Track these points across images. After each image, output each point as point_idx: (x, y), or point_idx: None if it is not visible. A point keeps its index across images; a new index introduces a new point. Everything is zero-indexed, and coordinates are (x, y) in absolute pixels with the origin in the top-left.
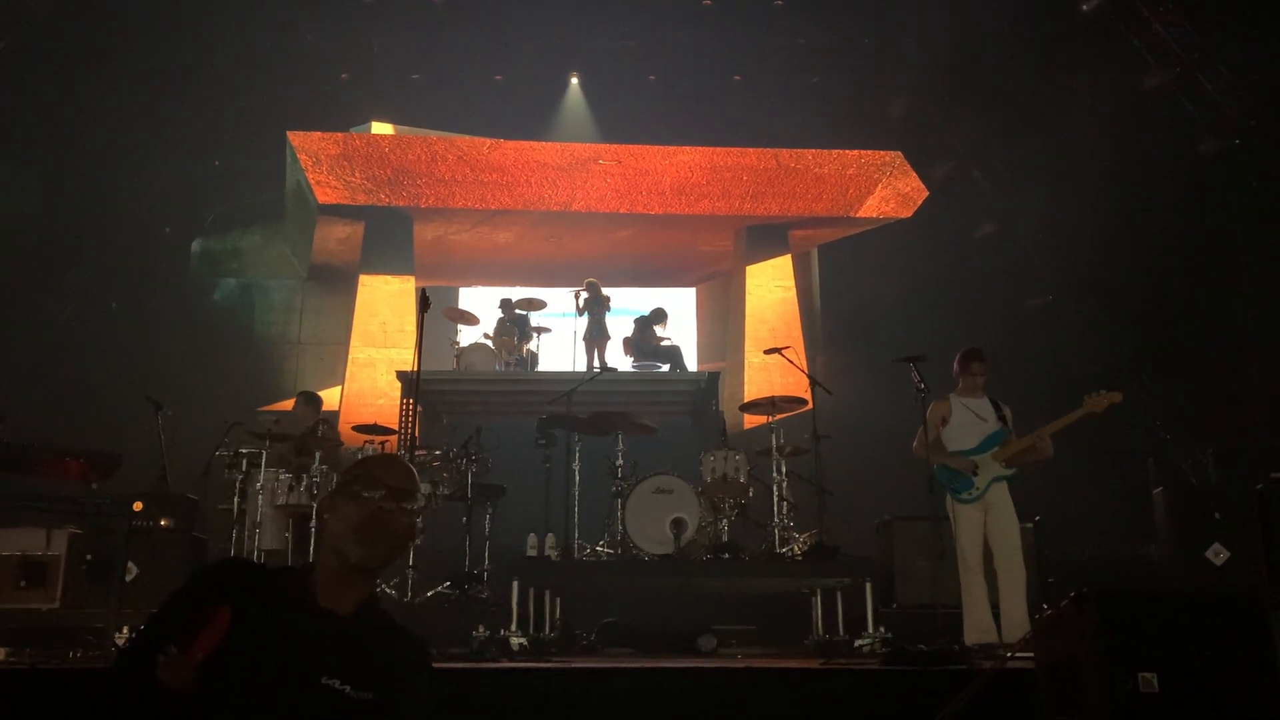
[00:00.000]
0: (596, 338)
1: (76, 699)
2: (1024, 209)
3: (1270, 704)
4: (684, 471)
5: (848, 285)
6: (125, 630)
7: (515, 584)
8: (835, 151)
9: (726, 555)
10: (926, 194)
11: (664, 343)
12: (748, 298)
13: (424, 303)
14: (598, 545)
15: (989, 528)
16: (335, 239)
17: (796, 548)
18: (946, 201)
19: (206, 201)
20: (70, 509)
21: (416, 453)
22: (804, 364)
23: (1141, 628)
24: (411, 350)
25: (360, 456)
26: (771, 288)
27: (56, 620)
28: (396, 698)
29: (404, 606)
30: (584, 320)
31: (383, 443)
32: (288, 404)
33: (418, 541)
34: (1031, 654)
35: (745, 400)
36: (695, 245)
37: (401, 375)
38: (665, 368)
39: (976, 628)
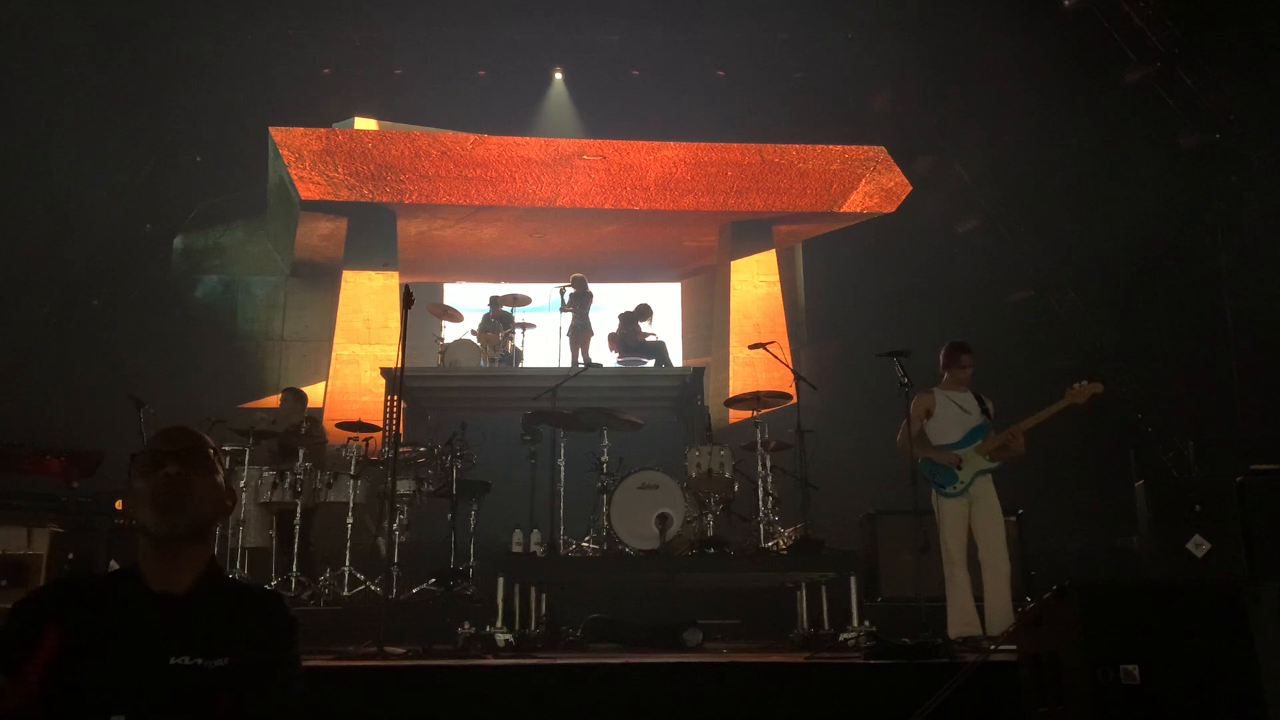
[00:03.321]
0: (580, 334)
1: None
2: (1006, 203)
3: (1249, 694)
4: (669, 467)
5: (832, 280)
6: None
7: (501, 580)
8: (819, 146)
9: (711, 550)
10: (910, 189)
11: (649, 338)
12: (732, 293)
13: (408, 299)
14: (583, 541)
15: (974, 521)
16: (318, 235)
17: (781, 542)
18: (929, 196)
19: (188, 198)
20: (51, 507)
21: (401, 449)
22: (788, 359)
23: (1123, 620)
24: (395, 346)
25: (345, 453)
26: (756, 283)
27: None
28: (255, 655)
29: (389, 603)
30: (568, 316)
31: (367, 439)
32: (270, 401)
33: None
34: (1014, 646)
35: (730, 395)
36: (680, 240)
37: (386, 372)
38: (650, 363)
39: (960, 621)
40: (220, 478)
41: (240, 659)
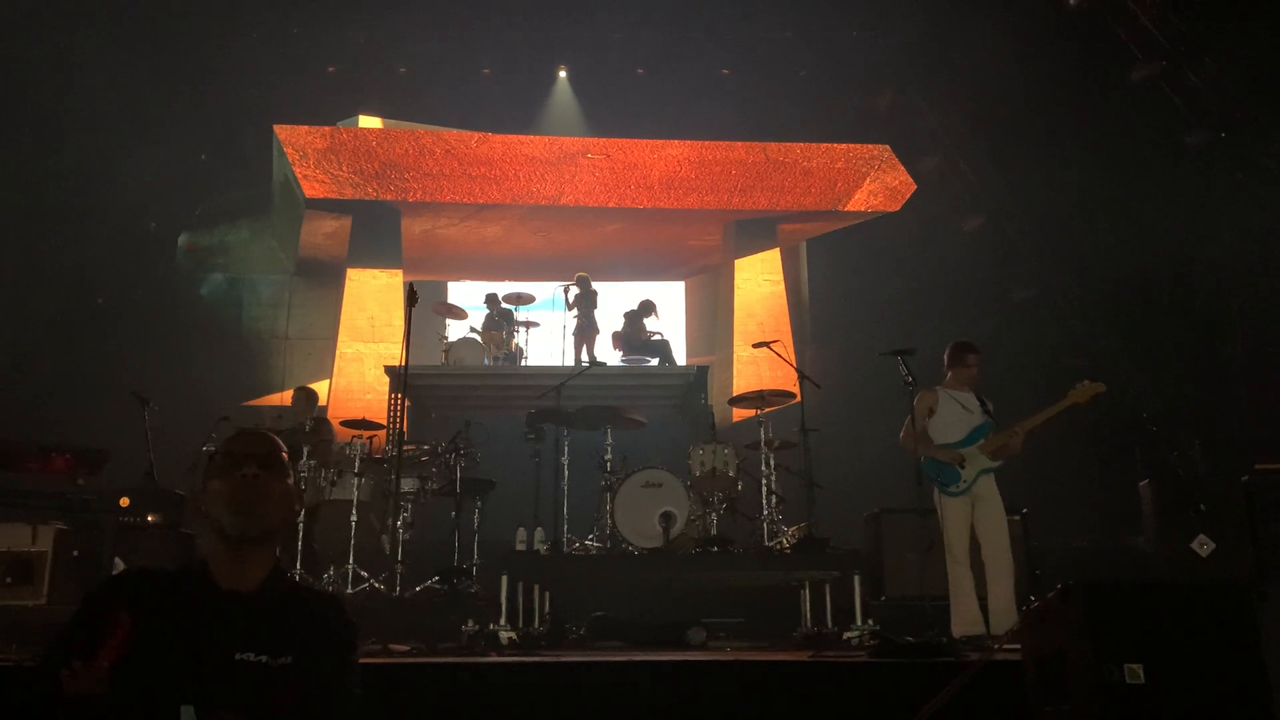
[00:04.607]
0: (585, 332)
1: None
2: (1011, 202)
3: (1255, 694)
4: (673, 465)
5: (836, 279)
6: None
7: (504, 578)
8: (823, 145)
9: (715, 549)
10: (914, 187)
11: (653, 337)
12: (736, 292)
13: (412, 297)
14: (587, 539)
15: (977, 520)
16: (323, 233)
17: (785, 541)
18: (934, 195)
19: (193, 196)
20: (57, 505)
21: (405, 447)
22: (792, 358)
23: (1128, 619)
24: (399, 345)
25: (349, 451)
26: (760, 282)
27: (43, 617)
28: (317, 653)
29: (393, 601)
30: (572, 315)
31: (371, 437)
32: (274, 398)
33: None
34: (1019, 646)
35: (734, 394)
36: (684, 239)
37: (390, 370)
38: (654, 361)
39: (964, 619)
40: (292, 482)
41: (303, 658)
